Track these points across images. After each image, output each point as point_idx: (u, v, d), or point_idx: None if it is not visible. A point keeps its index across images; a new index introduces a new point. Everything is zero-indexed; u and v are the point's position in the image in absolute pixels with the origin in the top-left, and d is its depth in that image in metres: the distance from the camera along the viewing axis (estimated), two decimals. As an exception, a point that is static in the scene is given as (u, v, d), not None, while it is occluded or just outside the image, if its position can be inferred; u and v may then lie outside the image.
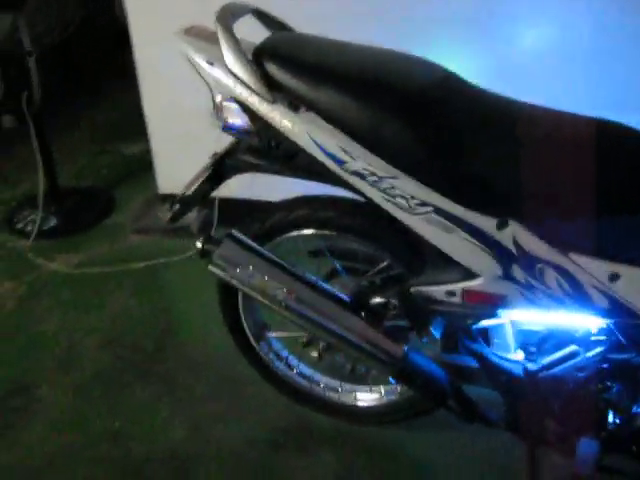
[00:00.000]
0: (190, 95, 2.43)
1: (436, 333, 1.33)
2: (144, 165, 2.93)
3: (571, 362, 1.29)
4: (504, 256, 1.19)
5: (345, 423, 1.80)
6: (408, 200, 1.20)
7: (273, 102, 1.24)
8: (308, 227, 1.47)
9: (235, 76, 1.25)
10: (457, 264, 1.26)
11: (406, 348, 1.34)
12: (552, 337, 1.34)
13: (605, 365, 1.28)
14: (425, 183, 1.18)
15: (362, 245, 1.47)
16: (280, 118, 1.24)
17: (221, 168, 1.40)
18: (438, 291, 1.30)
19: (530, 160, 1.15)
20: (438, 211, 1.19)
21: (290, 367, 1.78)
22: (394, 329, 1.38)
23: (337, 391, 1.76)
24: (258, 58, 1.26)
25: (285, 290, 1.33)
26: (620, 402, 1.29)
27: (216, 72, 1.28)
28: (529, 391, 1.33)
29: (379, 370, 1.42)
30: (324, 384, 1.77)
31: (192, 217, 2.75)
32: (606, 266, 1.15)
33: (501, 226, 1.18)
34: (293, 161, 1.30)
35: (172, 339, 2.17)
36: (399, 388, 1.67)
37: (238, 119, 1.33)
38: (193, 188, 1.43)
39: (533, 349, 1.35)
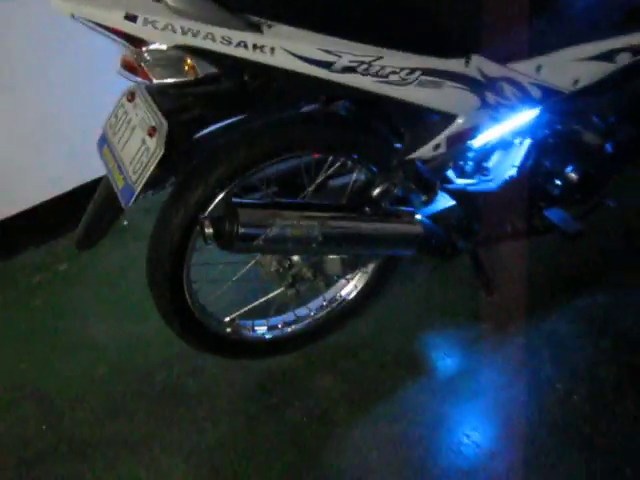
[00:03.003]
0: None
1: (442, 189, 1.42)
2: None
3: (523, 154, 1.53)
4: (477, 87, 1.33)
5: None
6: (399, 73, 1.22)
7: (243, 30, 1.07)
8: (257, 165, 1.34)
9: (188, 16, 1.03)
10: (435, 118, 1.34)
11: (419, 218, 1.40)
12: (496, 147, 1.54)
13: (544, 142, 1.55)
14: (409, 51, 1.21)
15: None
16: (249, 46, 1.09)
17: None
18: (426, 149, 1.37)
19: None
20: (426, 71, 1.24)
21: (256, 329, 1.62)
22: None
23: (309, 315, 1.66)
24: None
25: (318, 223, 1.24)
26: (556, 167, 1.58)
27: (146, 25, 1.04)
28: (503, 197, 1.54)
29: (401, 251, 1.45)
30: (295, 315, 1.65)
31: None
32: (531, 62, 1.39)
33: (467, 62, 1.29)
34: (270, 90, 1.17)
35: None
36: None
37: (177, 70, 1.13)
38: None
39: (488, 164, 1.54)
